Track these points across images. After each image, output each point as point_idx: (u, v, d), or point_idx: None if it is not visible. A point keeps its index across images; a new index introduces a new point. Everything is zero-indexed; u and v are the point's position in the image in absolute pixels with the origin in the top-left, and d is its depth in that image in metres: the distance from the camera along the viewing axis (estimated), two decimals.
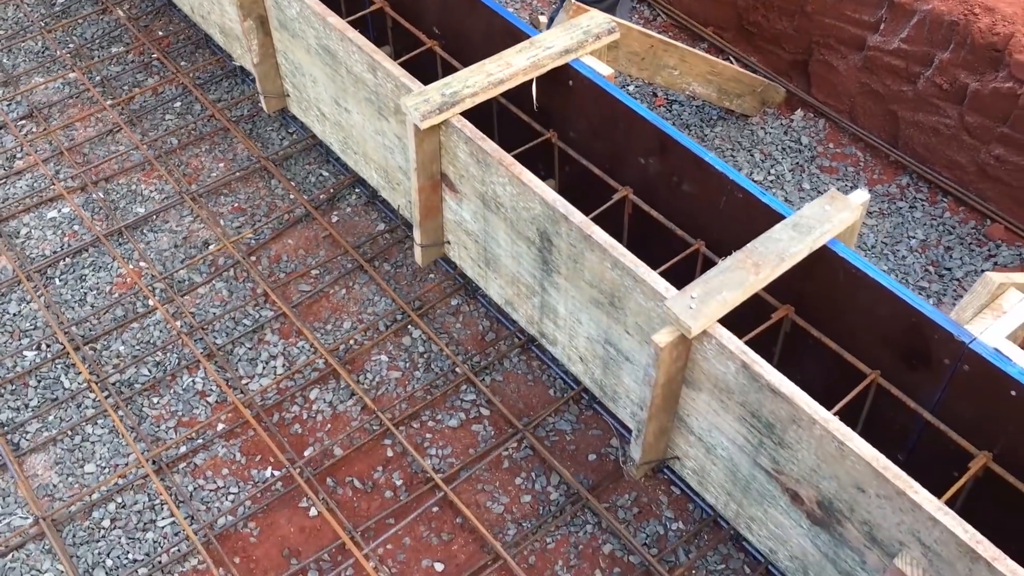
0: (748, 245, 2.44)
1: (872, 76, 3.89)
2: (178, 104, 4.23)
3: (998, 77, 3.44)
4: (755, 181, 3.92)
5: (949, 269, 3.57)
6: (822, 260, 2.51)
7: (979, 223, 3.71)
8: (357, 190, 3.90)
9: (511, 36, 3.19)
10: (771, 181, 3.92)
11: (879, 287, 2.41)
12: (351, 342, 3.39)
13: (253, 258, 3.66)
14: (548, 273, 2.82)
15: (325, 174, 3.97)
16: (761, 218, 2.62)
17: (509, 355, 3.36)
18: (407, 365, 3.33)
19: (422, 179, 3.00)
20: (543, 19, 4.75)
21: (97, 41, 4.50)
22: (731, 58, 4.38)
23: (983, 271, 3.56)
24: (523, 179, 2.69)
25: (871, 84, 3.91)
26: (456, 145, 2.88)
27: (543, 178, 3.32)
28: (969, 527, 1.96)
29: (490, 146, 2.77)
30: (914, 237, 3.69)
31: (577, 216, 2.59)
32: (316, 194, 3.87)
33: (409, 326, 3.44)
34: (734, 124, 4.15)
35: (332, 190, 3.89)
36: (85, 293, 3.54)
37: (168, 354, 3.35)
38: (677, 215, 2.85)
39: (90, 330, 3.43)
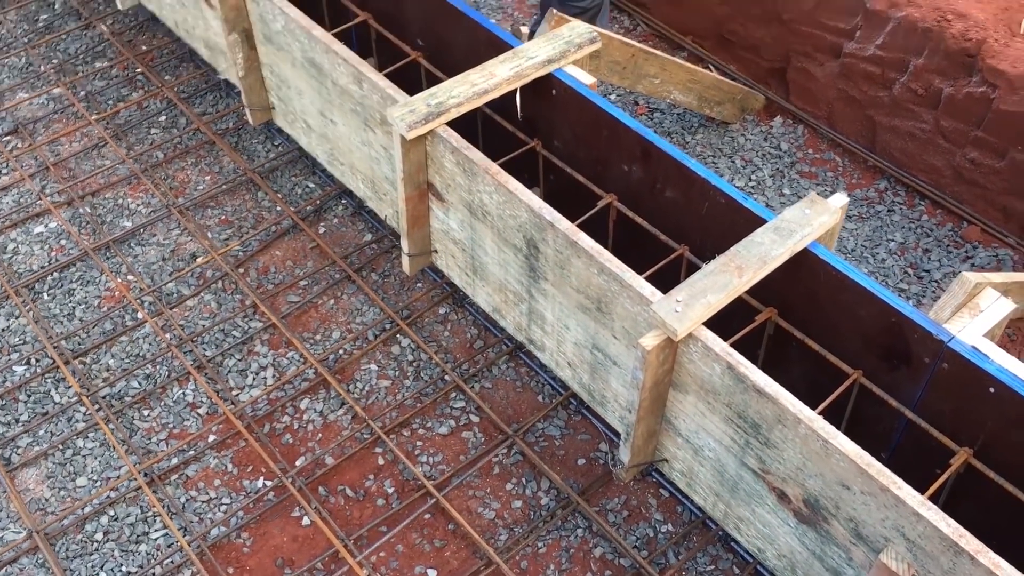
0: (731, 249, 2.49)
1: (849, 82, 3.96)
2: (163, 118, 4.25)
3: (971, 82, 3.52)
4: (737, 187, 3.97)
5: (927, 271, 3.64)
6: (804, 263, 2.56)
7: (956, 225, 3.78)
8: (343, 201, 3.93)
9: (494, 47, 3.24)
10: (752, 187, 3.98)
11: (859, 288, 2.46)
12: (340, 351, 3.42)
13: (241, 270, 3.68)
14: (535, 280, 2.87)
15: (311, 185, 4.00)
16: (743, 223, 2.67)
17: (497, 362, 3.39)
18: (397, 374, 3.36)
19: (409, 189, 3.04)
20: (524, 29, 4.80)
21: (81, 56, 4.51)
22: (711, 66, 4.44)
23: (961, 272, 3.63)
24: (509, 187, 2.73)
25: (848, 90, 3.98)
26: (442, 155, 2.92)
27: (528, 186, 3.38)
28: (952, 521, 2.00)
29: (476, 155, 2.81)
30: (893, 240, 3.75)
31: (563, 223, 2.63)
32: (303, 205, 3.90)
33: (398, 335, 3.47)
34: (715, 131, 4.21)
35: (318, 201, 3.92)
36: (74, 307, 3.55)
37: (158, 367, 3.36)
38: (661, 220, 2.90)
39: (79, 344, 3.44)
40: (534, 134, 3.20)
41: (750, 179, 4.02)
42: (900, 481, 2.06)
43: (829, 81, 4.04)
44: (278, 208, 3.88)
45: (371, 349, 3.43)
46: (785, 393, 2.23)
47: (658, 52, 3.65)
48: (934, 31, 3.56)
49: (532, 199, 2.70)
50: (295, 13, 3.26)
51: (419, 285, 3.64)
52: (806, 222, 2.54)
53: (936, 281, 3.60)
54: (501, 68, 2.99)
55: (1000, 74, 3.40)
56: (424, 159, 3.00)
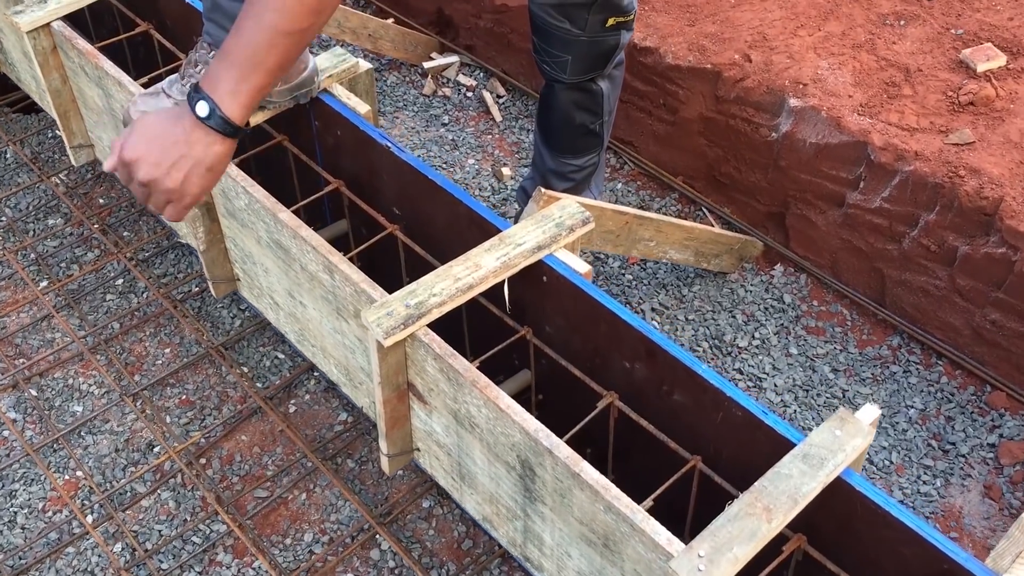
0: (756, 484, 2.19)
1: (854, 233, 3.73)
2: (120, 282, 3.94)
3: (989, 242, 3.28)
4: (740, 347, 3.70)
5: (953, 444, 3.35)
6: (837, 491, 2.26)
7: (979, 389, 3.51)
8: (316, 374, 3.62)
9: (475, 224, 2.97)
10: (757, 346, 3.70)
11: (904, 528, 2.16)
12: (314, 560, 3.07)
13: (203, 460, 3.34)
14: (532, 501, 2.55)
15: (281, 356, 3.69)
16: (764, 439, 2.38)
17: (489, 567, 3.05)
18: None
19: (387, 391, 2.74)
20: (506, 171, 4.57)
21: (32, 213, 4.22)
22: (704, 209, 4.21)
23: (988, 444, 3.35)
24: (500, 405, 2.42)
25: (853, 240, 3.74)
26: (424, 359, 2.62)
27: (518, 368, 3.09)
28: None
29: (462, 364, 2.51)
30: (912, 406, 3.47)
31: (563, 450, 2.32)
32: (271, 381, 3.58)
33: (377, 536, 3.13)
34: (712, 282, 3.95)
35: (288, 374, 3.60)
36: (15, 513, 3.19)
37: None
38: (669, 424, 2.60)
39: (20, 559, 3.07)
40: (524, 319, 2.92)
41: (754, 337, 3.74)
42: None
43: (832, 230, 3.80)
44: (244, 385, 3.56)
45: (348, 555, 3.08)
46: None
47: (652, 215, 3.40)
48: (946, 187, 3.34)
49: (527, 420, 2.39)
50: (259, 193, 2.98)
51: (400, 473, 3.31)
52: (838, 447, 2.25)
53: (963, 456, 3.32)
54: (486, 258, 2.72)
55: (1021, 236, 3.16)
56: (404, 360, 2.70)
